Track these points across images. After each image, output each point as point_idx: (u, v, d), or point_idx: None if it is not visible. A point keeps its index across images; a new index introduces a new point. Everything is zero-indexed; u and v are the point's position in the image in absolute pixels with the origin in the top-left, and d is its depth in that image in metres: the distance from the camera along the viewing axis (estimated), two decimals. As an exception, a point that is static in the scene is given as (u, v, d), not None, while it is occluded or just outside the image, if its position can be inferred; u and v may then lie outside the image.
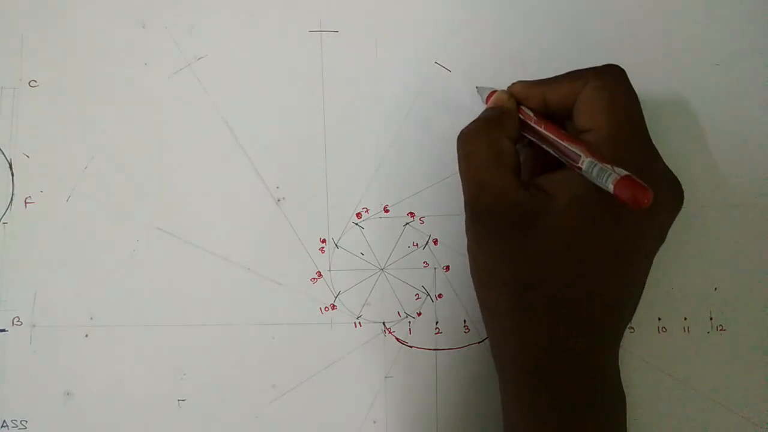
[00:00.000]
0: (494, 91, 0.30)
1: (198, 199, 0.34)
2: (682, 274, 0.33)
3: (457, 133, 0.29)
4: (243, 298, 0.33)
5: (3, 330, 0.33)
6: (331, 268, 0.33)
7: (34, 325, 0.33)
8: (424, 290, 0.33)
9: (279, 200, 0.34)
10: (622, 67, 0.28)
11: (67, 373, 0.32)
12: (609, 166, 0.24)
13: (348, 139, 0.34)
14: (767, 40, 0.34)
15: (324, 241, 0.33)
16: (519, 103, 0.30)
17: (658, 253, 0.32)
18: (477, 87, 0.32)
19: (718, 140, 0.34)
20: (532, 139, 0.29)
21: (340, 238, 0.33)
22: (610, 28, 0.35)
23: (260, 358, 0.32)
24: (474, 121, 0.29)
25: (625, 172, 0.24)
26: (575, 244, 0.26)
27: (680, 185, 0.28)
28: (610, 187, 0.24)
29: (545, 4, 0.35)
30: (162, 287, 0.33)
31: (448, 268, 0.33)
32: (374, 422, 0.32)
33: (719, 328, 0.33)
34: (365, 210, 0.34)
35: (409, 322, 0.33)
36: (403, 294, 0.33)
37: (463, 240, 0.31)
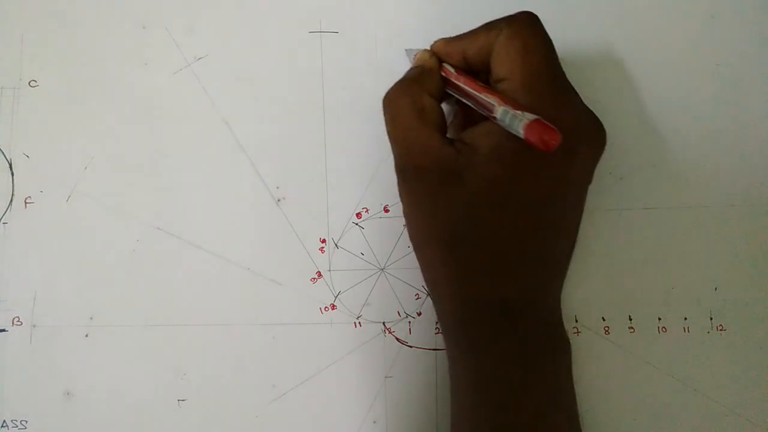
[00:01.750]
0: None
1: (198, 199, 0.34)
2: (682, 274, 0.33)
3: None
4: (243, 298, 0.33)
5: (3, 330, 0.33)
6: (331, 268, 0.33)
7: (34, 325, 0.33)
8: (424, 290, 0.33)
9: (279, 200, 0.34)
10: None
11: (67, 373, 0.32)
12: (520, 112, 0.25)
13: (348, 139, 0.34)
14: (767, 40, 0.34)
15: (324, 241, 0.33)
16: (443, 61, 0.30)
17: (659, 253, 0.32)
18: (405, 49, 0.32)
19: (718, 140, 0.34)
20: (455, 95, 0.29)
21: (340, 238, 0.33)
22: (610, 28, 0.35)
23: (260, 358, 0.32)
24: (397, 82, 0.29)
25: (533, 117, 0.24)
26: (498, 194, 0.26)
27: (601, 125, 0.28)
28: (521, 133, 0.24)
29: (544, 4, 0.35)
30: (162, 287, 0.33)
31: (448, 268, 0.33)
32: (374, 422, 0.32)
33: (719, 328, 0.33)
34: (365, 210, 0.34)
35: (409, 322, 0.33)
36: (403, 294, 0.33)
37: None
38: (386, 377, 0.33)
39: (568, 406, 0.29)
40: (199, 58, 0.35)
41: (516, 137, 0.25)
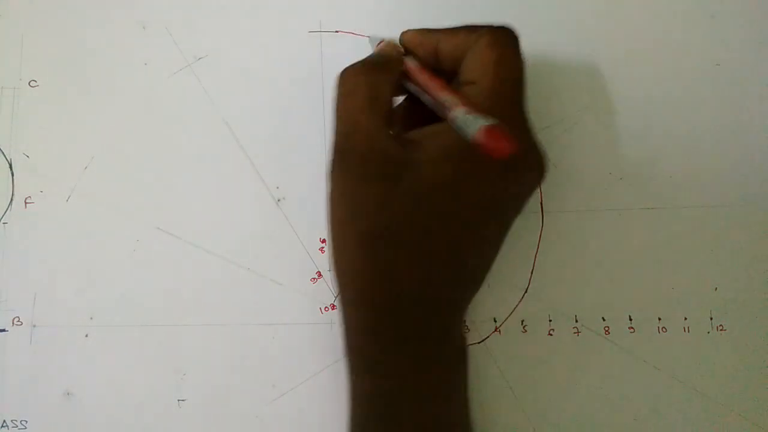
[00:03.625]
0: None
1: (198, 199, 0.34)
2: (682, 274, 0.33)
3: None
4: (243, 298, 0.33)
5: (3, 330, 0.33)
6: (331, 268, 0.33)
7: (34, 325, 0.33)
8: (424, 290, 0.33)
9: (279, 200, 0.34)
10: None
11: (67, 373, 0.32)
12: (482, 116, 0.25)
13: (348, 139, 0.34)
14: (767, 40, 0.34)
15: (324, 241, 0.33)
16: (408, 53, 0.29)
17: (659, 253, 0.32)
18: (368, 36, 0.31)
19: (718, 140, 0.34)
20: (412, 90, 0.29)
21: (340, 238, 0.33)
22: (610, 28, 0.35)
23: (260, 358, 0.32)
24: (358, 61, 0.28)
25: (492, 121, 0.24)
26: (433, 196, 0.26)
27: (546, 159, 0.28)
28: (478, 133, 0.24)
29: (546, 5, 0.35)
30: (162, 287, 0.33)
31: (448, 268, 0.33)
32: (374, 422, 0.32)
33: (719, 328, 0.33)
34: (365, 210, 0.34)
35: (409, 322, 0.33)
36: (403, 294, 0.33)
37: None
38: (386, 377, 0.32)
39: (460, 417, 0.28)
40: (199, 58, 0.35)
41: (464, 143, 0.25)
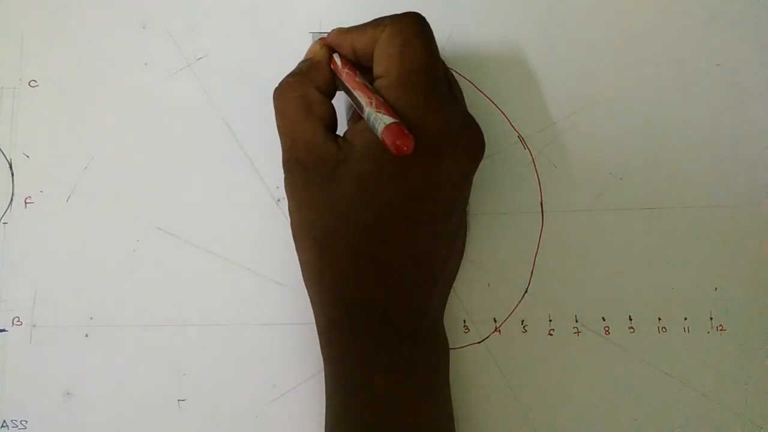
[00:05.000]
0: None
1: (198, 199, 0.34)
2: (682, 274, 0.33)
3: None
4: (243, 298, 0.33)
5: (3, 330, 0.33)
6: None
7: (34, 325, 0.33)
8: (424, 290, 0.33)
9: (279, 200, 0.34)
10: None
11: (67, 373, 0.32)
12: (381, 114, 0.25)
13: (348, 139, 0.34)
14: (767, 40, 0.34)
15: (324, 241, 0.33)
16: (337, 52, 0.29)
17: (659, 253, 0.32)
18: (310, 32, 0.32)
19: (718, 140, 0.34)
20: (341, 88, 0.29)
21: (340, 238, 0.33)
22: (609, 28, 0.35)
23: (260, 358, 0.32)
24: (287, 76, 0.29)
25: (391, 120, 0.24)
26: (367, 192, 0.26)
27: (479, 133, 0.28)
28: (381, 132, 0.24)
29: (545, 5, 0.35)
30: (162, 287, 0.33)
31: (448, 268, 0.33)
32: (374, 422, 0.32)
33: (719, 328, 0.33)
34: (365, 210, 0.34)
35: (409, 322, 0.33)
36: (403, 294, 0.33)
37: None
38: (386, 377, 0.32)
39: (439, 412, 0.28)
40: (199, 58, 0.35)
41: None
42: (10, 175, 0.34)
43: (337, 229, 0.27)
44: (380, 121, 0.25)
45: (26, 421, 0.32)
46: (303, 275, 0.29)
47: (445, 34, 0.34)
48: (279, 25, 0.35)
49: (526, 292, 0.33)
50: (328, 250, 0.27)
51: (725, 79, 0.34)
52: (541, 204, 0.33)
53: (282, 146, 0.28)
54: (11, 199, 0.34)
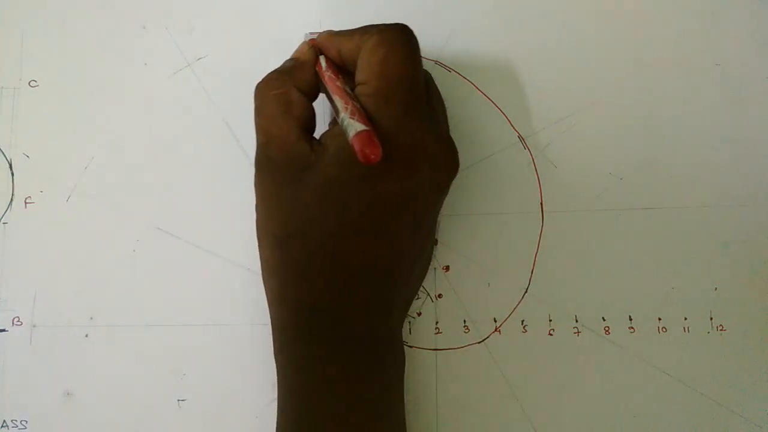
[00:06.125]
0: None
1: (198, 199, 0.34)
2: (682, 274, 0.33)
3: (459, 134, 0.29)
4: (243, 298, 0.33)
5: (3, 330, 0.33)
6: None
7: (34, 325, 0.33)
8: (424, 290, 0.33)
9: (279, 200, 0.34)
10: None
11: (67, 373, 0.32)
12: (354, 120, 0.25)
13: (348, 139, 0.34)
14: (767, 40, 0.34)
15: (324, 241, 0.33)
16: (323, 54, 0.29)
17: (659, 253, 0.32)
18: (305, 33, 0.31)
19: (718, 140, 0.34)
20: (323, 91, 0.29)
21: (340, 238, 0.33)
22: (609, 28, 0.35)
23: (260, 358, 0.32)
24: (270, 73, 0.29)
25: (363, 128, 0.24)
26: (333, 196, 0.26)
27: (454, 151, 0.28)
28: (351, 139, 0.25)
29: (545, 5, 0.35)
30: (162, 287, 0.33)
31: (448, 268, 0.33)
32: (374, 422, 0.32)
33: (719, 328, 0.33)
34: (365, 210, 0.34)
35: (409, 322, 0.33)
36: (403, 294, 0.33)
37: (463, 240, 0.31)
38: (386, 377, 0.32)
39: (388, 421, 0.28)
40: (199, 58, 0.35)
41: None
42: (10, 175, 0.34)
43: (299, 230, 0.27)
44: (352, 127, 0.25)
45: (26, 421, 0.32)
46: (262, 273, 0.29)
47: (445, 35, 0.34)
48: (279, 25, 0.35)
49: (526, 292, 0.33)
50: (287, 250, 0.27)
51: (725, 79, 0.34)
52: (541, 204, 0.33)
53: (256, 142, 0.28)
54: (11, 199, 0.34)
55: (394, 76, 0.27)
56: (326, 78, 0.28)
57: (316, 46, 0.30)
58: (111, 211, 0.34)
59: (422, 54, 0.34)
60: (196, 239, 0.33)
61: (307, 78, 0.29)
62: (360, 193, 0.26)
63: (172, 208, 0.34)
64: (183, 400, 0.32)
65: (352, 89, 0.28)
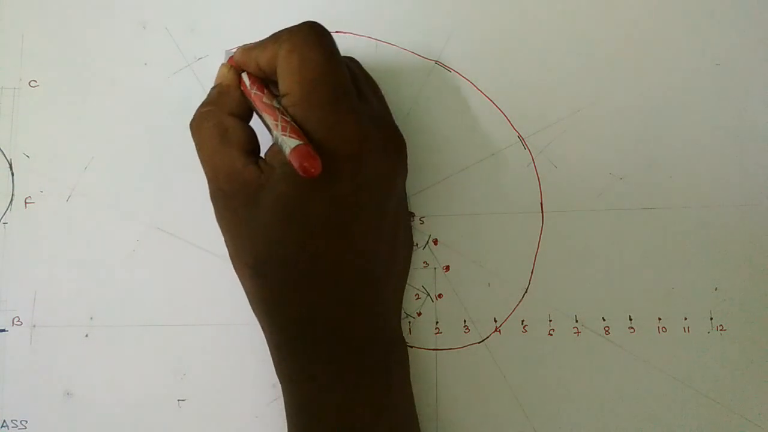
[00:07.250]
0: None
1: (198, 199, 0.34)
2: (682, 274, 0.33)
3: (459, 134, 0.29)
4: (243, 298, 0.33)
5: (3, 330, 0.33)
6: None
7: (34, 325, 0.33)
8: (424, 290, 0.33)
9: (279, 200, 0.34)
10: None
11: (67, 373, 0.33)
12: (286, 136, 0.25)
13: (348, 139, 0.34)
14: (767, 40, 0.34)
15: (324, 241, 0.33)
16: (245, 71, 0.29)
17: (659, 253, 0.32)
18: (225, 50, 0.31)
19: (718, 140, 0.34)
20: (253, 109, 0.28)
21: (340, 238, 0.33)
22: (609, 28, 0.35)
23: (260, 358, 0.32)
24: (199, 107, 0.28)
25: (296, 143, 0.24)
26: (291, 212, 0.26)
27: (397, 134, 0.28)
28: (288, 156, 0.24)
29: (545, 5, 0.35)
30: (162, 287, 0.33)
31: (448, 268, 0.33)
32: (374, 422, 0.32)
33: (719, 328, 0.33)
34: (365, 210, 0.34)
35: (410, 322, 0.33)
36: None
37: (463, 240, 0.31)
38: (386, 377, 0.32)
39: (398, 412, 0.29)
40: (199, 58, 0.35)
41: None
42: (10, 175, 0.34)
43: (268, 253, 0.27)
44: (286, 144, 0.25)
45: (26, 421, 0.32)
46: (249, 302, 0.29)
47: (445, 35, 0.34)
48: (279, 25, 0.35)
49: (526, 292, 0.33)
50: (263, 276, 0.27)
51: (725, 79, 0.34)
52: (541, 204, 0.33)
53: (206, 177, 0.28)
54: (11, 199, 0.34)
55: (314, 79, 0.26)
56: (252, 96, 0.28)
57: (235, 65, 0.29)
58: (111, 211, 0.34)
59: (422, 54, 0.34)
60: (196, 239, 0.33)
61: (235, 101, 0.28)
62: (315, 202, 0.26)
63: (172, 208, 0.34)
64: (183, 400, 0.32)
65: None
